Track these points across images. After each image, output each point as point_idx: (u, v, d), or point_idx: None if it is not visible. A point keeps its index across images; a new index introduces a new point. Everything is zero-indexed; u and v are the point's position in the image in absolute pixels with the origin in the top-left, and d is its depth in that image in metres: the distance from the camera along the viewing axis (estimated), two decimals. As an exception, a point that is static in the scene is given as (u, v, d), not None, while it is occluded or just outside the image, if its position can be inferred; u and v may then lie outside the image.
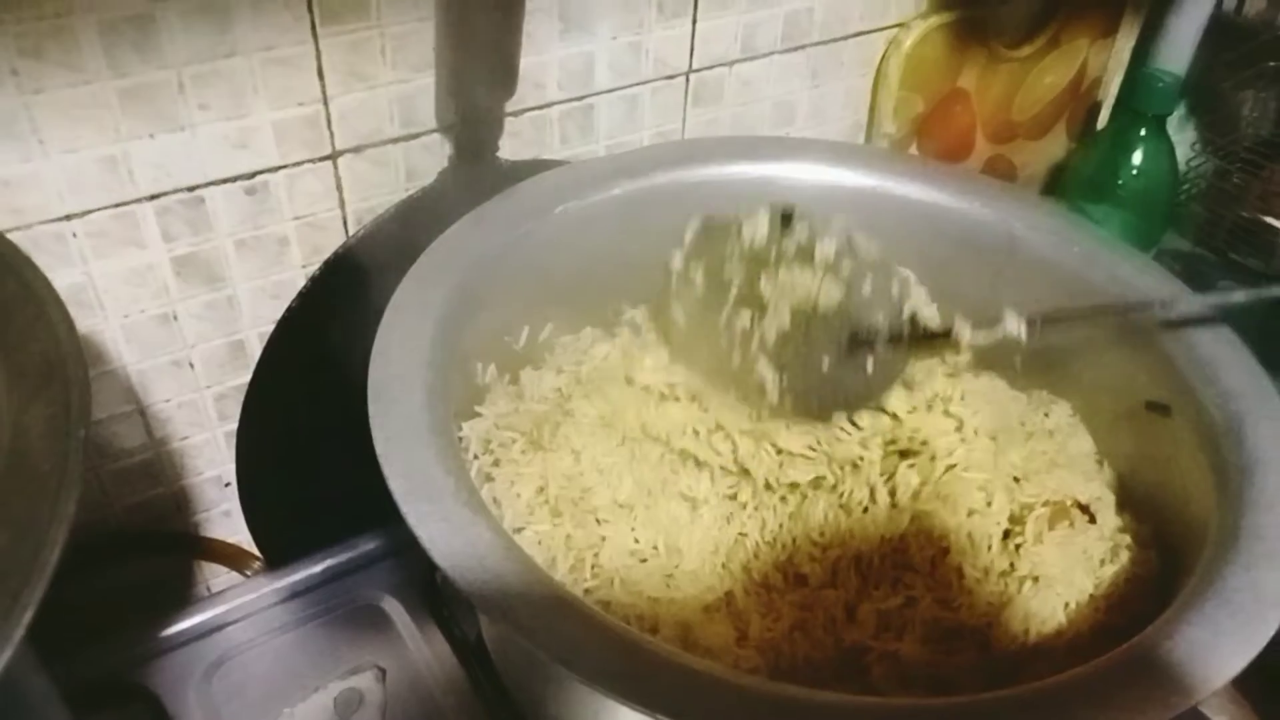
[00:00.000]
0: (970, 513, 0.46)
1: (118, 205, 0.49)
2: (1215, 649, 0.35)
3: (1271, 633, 0.35)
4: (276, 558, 0.62)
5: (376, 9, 0.51)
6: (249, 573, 0.63)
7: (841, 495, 0.48)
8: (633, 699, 0.31)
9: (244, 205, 0.53)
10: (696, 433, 0.49)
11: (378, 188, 0.56)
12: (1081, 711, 0.32)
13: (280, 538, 0.62)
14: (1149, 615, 0.37)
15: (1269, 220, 0.77)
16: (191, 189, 0.51)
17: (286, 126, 0.51)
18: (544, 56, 0.58)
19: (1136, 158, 0.81)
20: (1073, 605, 0.44)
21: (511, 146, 0.59)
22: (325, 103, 0.52)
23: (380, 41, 0.52)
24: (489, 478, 0.47)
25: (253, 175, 0.52)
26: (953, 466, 0.48)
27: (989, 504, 0.47)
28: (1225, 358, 0.47)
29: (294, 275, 0.56)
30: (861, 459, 0.49)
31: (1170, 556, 0.45)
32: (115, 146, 0.48)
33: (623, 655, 0.33)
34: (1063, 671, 0.35)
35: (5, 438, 0.29)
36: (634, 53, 0.61)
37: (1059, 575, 0.45)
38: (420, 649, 0.55)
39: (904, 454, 0.49)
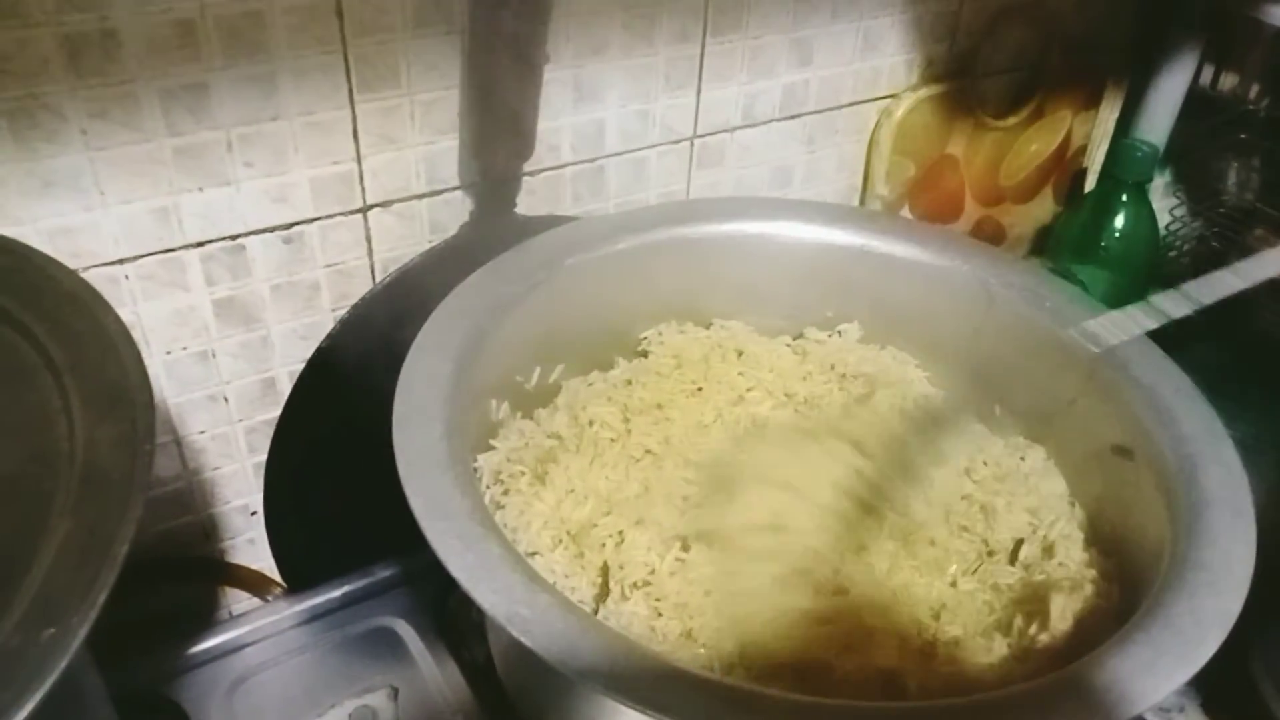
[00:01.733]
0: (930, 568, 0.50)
1: (166, 251, 0.54)
2: (1155, 667, 0.38)
3: (1210, 653, 0.39)
4: (297, 583, 0.66)
5: (407, 79, 0.56)
6: (270, 598, 0.66)
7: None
8: (625, 696, 0.35)
9: (281, 253, 0.57)
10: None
11: (403, 239, 0.61)
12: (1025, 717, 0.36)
13: (302, 564, 0.66)
14: (1109, 643, 0.41)
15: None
16: (234, 238, 0.55)
17: (322, 183, 0.56)
18: (559, 122, 0.63)
19: (1119, 222, 0.85)
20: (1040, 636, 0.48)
21: (528, 203, 0.64)
22: (358, 161, 0.57)
23: (410, 108, 0.57)
24: (499, 505, 0.51)
25: (290, 226, 0.57)
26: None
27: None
28: (1182, 406, 0.51)
29: (323, 318, 0.61)
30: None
31: (1130, 589, 0.49)
32: (167, 198, 0.53)
33: (620, 658, 0.36)
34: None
35: (80, 452, 0.33)
36: (642, 119, 0.66)
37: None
38: (431, 670, 0.58)
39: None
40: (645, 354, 0.63)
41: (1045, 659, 0.46)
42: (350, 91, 0.55)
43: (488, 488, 0.52)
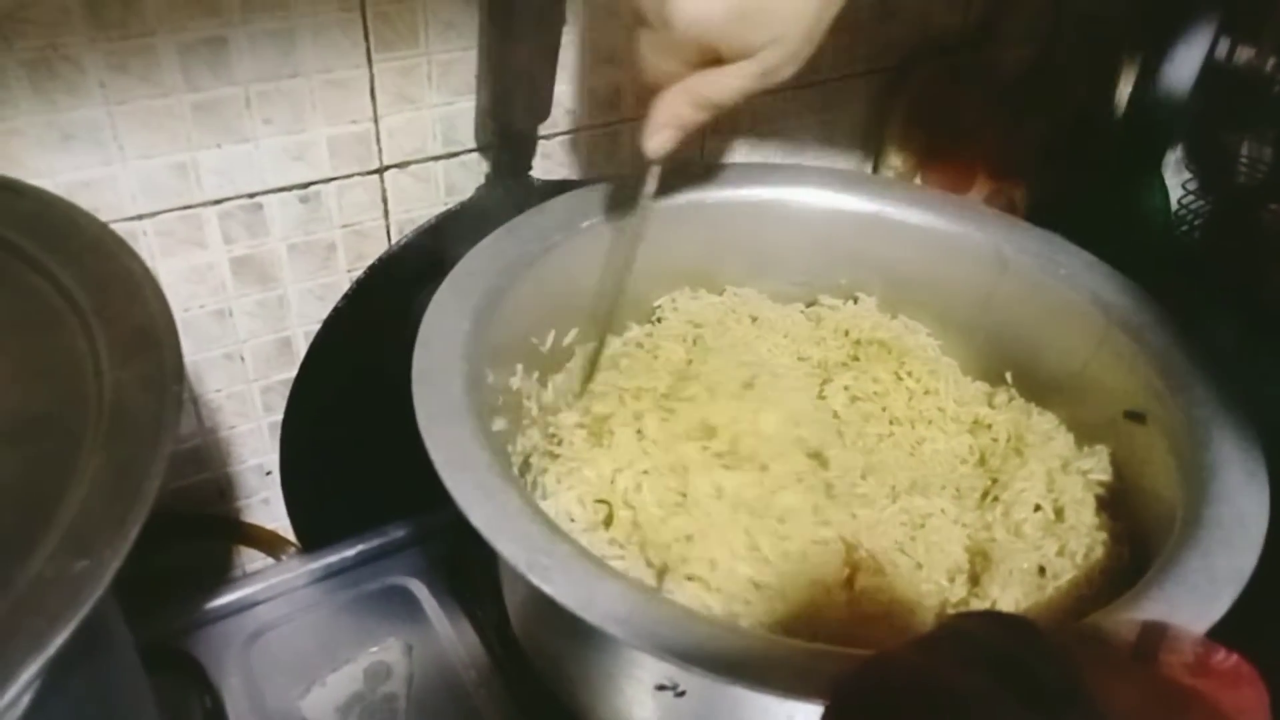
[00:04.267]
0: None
1: (185, 208, 0.54)
2: (1170, 622, 0.38)
3: (1225, 608, 0.39)
4: (311, 543, 0.66)
5: (425, 38, 0.56)
6: (283, 558, 0.67)
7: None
8: (645, 643, 0.35)
9: (298, 212, 0.57)
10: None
11: (419, 201, 0.61)
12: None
13: (316, 524, 0.66)
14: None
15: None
16: (252, 196, 0.56)
17: (340, 142, 0.56)
18: (576, 85, 0.63)
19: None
20: (1049, 596, 0.48)
21: (543, 167, 0.64)
22: (376, 121, 0.57)
23: (427, 67, 0.57)
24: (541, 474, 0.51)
25: (307, 185, 0.57)
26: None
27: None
28: (1195, 370, 0.51)
29: (339, 279, 0.61)
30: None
31: (1141, 550, 0.49)
32: (186, 154, 0.53)
33: (639, 605, 0.36)
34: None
35: (108, 393, 0.33)
36: (658, 84, 0.66)
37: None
38: (445, 628, 0.59)
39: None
40: (659, 320, 0.63)
41: (1057, 618, 0.46)
42: (368, 50, 0.55)
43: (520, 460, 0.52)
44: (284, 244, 0.58)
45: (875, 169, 0.79)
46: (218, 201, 0.55)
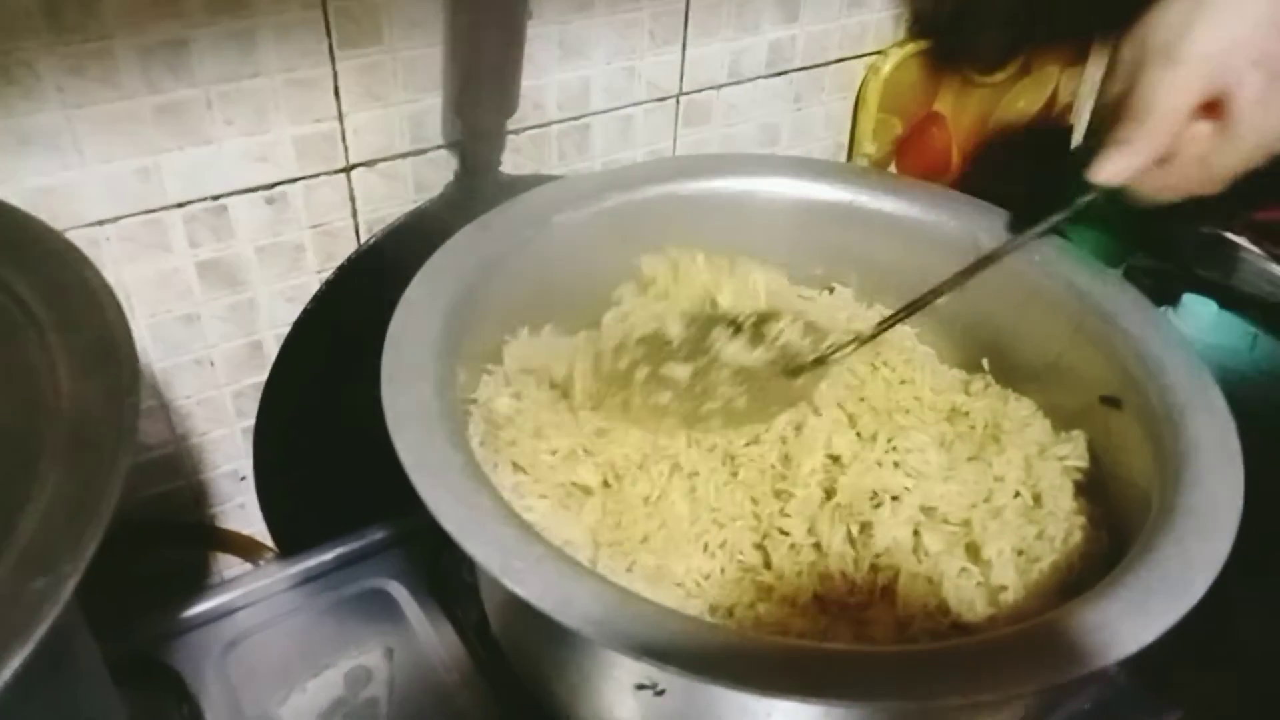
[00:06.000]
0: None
1: (148, 212, 0.53)
2: (1145, 608, 0.38)
3: (1200, 594, 0.39)
4: (289, 547, 0.66)
5: (389, 35, 0.55)
6: (261, 563, 0.66)
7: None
8: (620, 644, 0.35)
9: (264, 214, 0.57)
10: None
11: (388, 199, 0.60)
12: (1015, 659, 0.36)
13: (293, 528, 0.66)
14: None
15: (1230, 236, 0.81)
16: (216, 198, 0.55)
17: (305, 141, 0.56)
18: (544, 79, 0.62)
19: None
20: (1034, 580, 0.48)
21: (513, 162, 0.63)
22: (341, 120, 0.56)
23: (392, 65, 0.56)
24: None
25: (273, 186, 0.56)
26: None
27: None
28: (1170, 355, 0.51)
29: (309, 280, 0.60)
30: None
31: (1119, 535, 0.49)
32: (148, 158, 0.52)
33: (613, 606, 0.36)
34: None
35: (66, 406, 0.33)
36: (628, 76, 0.65)
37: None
38: (425, 630, 0.58)
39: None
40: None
41: (1036, 605, 0.46)
42: (331, 48, 0.54)
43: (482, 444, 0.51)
44: (251, 246, 0.57)
45: (848, 158, 0.79)
46: (182, 205, 0.54)
